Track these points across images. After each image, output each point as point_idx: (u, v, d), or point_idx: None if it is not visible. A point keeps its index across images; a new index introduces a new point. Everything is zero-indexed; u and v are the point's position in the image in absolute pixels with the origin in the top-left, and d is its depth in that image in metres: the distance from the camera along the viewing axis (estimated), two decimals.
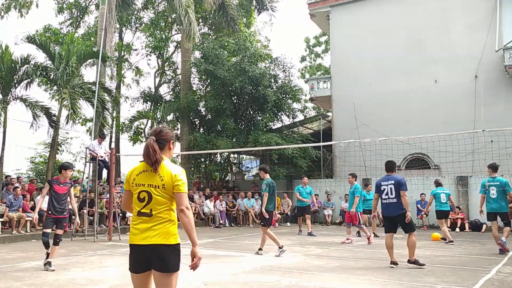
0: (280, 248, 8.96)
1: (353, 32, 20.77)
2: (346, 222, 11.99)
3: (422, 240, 10.10)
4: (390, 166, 7.97)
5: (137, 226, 3.14)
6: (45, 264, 7.33)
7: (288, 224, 18.15)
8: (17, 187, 12.83)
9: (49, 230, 7.58)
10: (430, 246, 10.73)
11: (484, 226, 15.14)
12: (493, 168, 9.75)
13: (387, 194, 7.66)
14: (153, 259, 3.08)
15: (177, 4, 17.94)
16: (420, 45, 19.29)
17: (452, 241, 11.15)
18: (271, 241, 9.11)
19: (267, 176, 9.46)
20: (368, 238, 11.49)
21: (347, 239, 11.47)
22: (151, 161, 3.15)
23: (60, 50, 16.31)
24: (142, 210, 3.14)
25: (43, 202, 8.12)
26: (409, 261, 7.54)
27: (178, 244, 3.17)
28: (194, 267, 3.18)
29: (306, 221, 14.10)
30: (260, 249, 9.30)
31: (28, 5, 8.84)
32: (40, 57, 15.91)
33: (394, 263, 7.60)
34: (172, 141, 3.36)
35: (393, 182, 7.65)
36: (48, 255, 7.42)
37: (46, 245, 7.49)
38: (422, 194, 16.18)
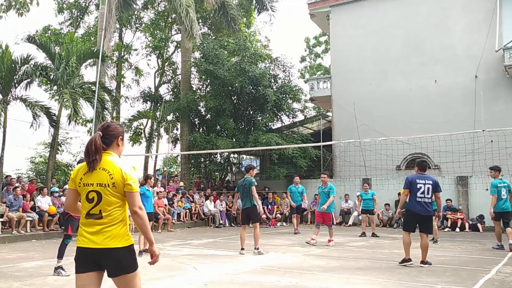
0: (242, 249, 9.17)
1: (353, 32, 20.77)
2: (316, 222, 11.36)
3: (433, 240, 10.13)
4: (424, 166, 7.98)
5: (86, 228, 2.97)
6: (56, 269, 6.92)
7: (285, 224, 18.14)
8: (17, 187, 12.82)
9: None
10: (430, 246, 10.70)
11: (481, 226, 15.15)
12: (499, 170, 10.34)
13: (423, 193, 7.63)
14: (106, 264, 2.94)
15: (177, 3, 17.95)
16: (420, 45, 19.29)
17: (436, 241, 11.22)
18: (273, 241, 9.17)
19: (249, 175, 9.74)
20: (329, 241, 10.96)
21: (312, 239, 10.84)
22: (89, 159, 2.95)
23: (60, 50, 16.32)
24: (91, 212, 2.96)
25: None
26: (423, 262, 7.68)
27: (132, 245, 3.03)
28: (153, 263, 3.10)
29: (295, 220, 14.37)
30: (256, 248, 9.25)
31: (29, 3, 8.81)
32: (40, 57, 15.95)
33: (409, 260, 7.70)
34: (120, 137, 3.14)
35: (431, 182, 7.70)
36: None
37: (64, 252, 7.03)
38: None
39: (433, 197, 7.72)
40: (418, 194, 7.62)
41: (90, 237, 2.93)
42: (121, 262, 2.93)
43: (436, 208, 8.48)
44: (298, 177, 14.72)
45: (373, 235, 13.30)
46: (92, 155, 2.94)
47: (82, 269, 2.96)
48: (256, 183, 9.63)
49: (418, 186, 7.63)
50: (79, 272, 2.98)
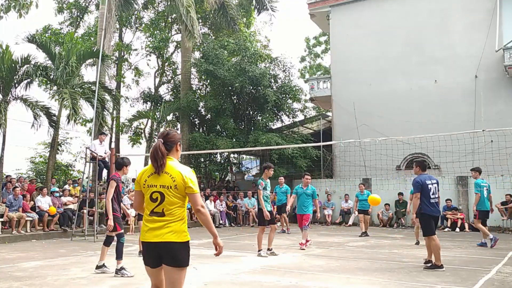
0: (260, 250, 9.01)
1: (353, 32, 20.77)
2: (301, 227, 10.51)
3: (422, 240, 10.12)
4: (425, 166, 7.90)
5: (149, 224, 3.30)
6: (119, 270, 6.83)
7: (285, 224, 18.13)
8: (16, 187, 12.82)
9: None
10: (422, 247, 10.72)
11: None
12: (480, 171, 10.90)
13: (434, 193, 7.52)
14: (165, 255, 3.25)
15: (178, 3, 17.95)
16: (420, 45, 19.30)
17: (417, 243, 11.06)
18: (274, 241, 9.15)
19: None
20: (303, 244, 10.34)
21: (307, 240, 10.40)
22: (157, 164, 3.29)
23: (60, 50, 16.32)
24: (154, 210, 3.29)
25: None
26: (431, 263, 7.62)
27: (188, 241, 3.33)
28: (218, 254, 3.45)
29: (281, 219, 14.49)
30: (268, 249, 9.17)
31: (28, 5, 8.81)
32: (40, 57, 15.95)
33: (441, 266, 7.38)
34: (179, 143, 3.49)
35: (436, 182, 7.65)
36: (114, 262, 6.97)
37: (122, 251, 6.96)
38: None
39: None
40: (431, 195, 7.48)
41: (153, 233, 3.27)
42: (177, 255, 3.25)
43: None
44: (282, 178, 14.71)
45: (365, 234, 13.33)
46: (160, 160, 3.29)
47: (149, 263, 3.35)
48: (262, 185, 9.15)
49: (429, 187, 7.49)
50: (146, 264, 3.38)
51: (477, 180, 10.80)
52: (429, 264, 7.53)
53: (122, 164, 7.13)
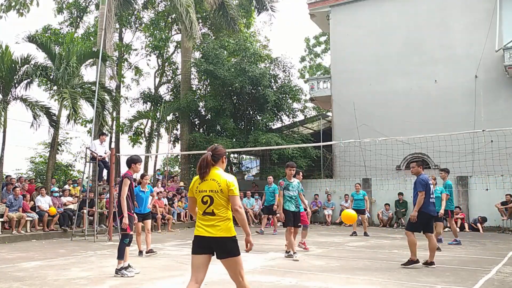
0: (295, 253, 8.76)
1: (353, 32, 20.76)
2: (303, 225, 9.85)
3: (423, 240, 10.11)
4: (423, 165, 8.06)
5: (203, 222, 3.97)
6: (119, 270, 6.74)
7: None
8: (16, 187, 12.82)
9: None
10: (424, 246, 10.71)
11: (481, 227, 15.18)
12: (448, 171, 11.33)
13: (432, 193, 7.76)
14: (218, 250, 3.94)
15: (177, 3, 17.94)
16: (420, 45, 19.29)
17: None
18: (273, 241, 9.12)
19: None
20: (305, 243, 10.03)
21: (303, 243, 9.96)
22: (201, 171, 3.98)
23: (60, 50, 16.32)
24: (206, 211, 3.95)
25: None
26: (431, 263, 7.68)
27: (235, 236, 3.97)
28: (249, 250, 4.10)
29: (270, 219, 14.37)
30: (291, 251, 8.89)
31: (29, 4, 8.82)
32: (40, 57, 15.93)
33: (418, 261, 7.60)
34: (224, 156, 4.16)
35: (431, 182, 7.87)
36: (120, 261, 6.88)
37: (124, 252, 6.85)
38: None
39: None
40: (431, 195, 7.68)
41: (206, 229, 3.93)
42: (229, 248, 3.92)
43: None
44: (271, 177, 14.70)
45: (365, 234, 13.36)
46: (203, 168, 3.98)
47: (198, 251, 4.00)
48: (281, 184, 8.96)
49: (430, 186, 7.70)
50: (195, 253, 4.02)
51: (447, 181, 11.06)
52: (406, 260, 7.67)
53: (131, 161, 7.09)
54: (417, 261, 7.55)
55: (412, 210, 7.82)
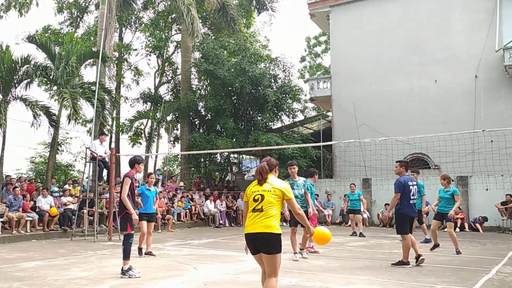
0: (296, 253, 8.67)
1: (353, 32, 20.77)
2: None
3: (417, 240, 10.14)
4: (408, 166, 8.04)
5: (251, 219, 4.32)
6: (126, 271, 6.71)
7: (285, 224, 18.13)
8: (16, 187, 12.81)
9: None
10: (430, 246, 10.72)
11: (480, 227, 15.18)
12: (418, 172, 11.32)
13: (413, 195, 7.75)
14: (260, 245, 4.25)
15: (179, 2, 17.95)
16: (420, 45, 19.29)
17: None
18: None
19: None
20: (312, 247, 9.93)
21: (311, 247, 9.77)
22: (261, 176, 4.38)
23: (60, 50, 16.31)
24: (256, 207, 4.27)
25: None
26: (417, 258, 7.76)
27: (280, 234, 4.25)
28: (310, 235, 4.92)
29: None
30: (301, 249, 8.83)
31: (28, 4, 8.83)
32: (40, 57, 15.93)
33: (408, 263, 7.68)
34: (276, 167, 4.66)
35: (416, 183, 7.88)
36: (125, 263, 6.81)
37: (130, 252, 6.82)
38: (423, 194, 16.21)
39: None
40: (411, 197, 7.72)
41: (252, 225, 4.29)
42: (269, 244, 4.19)
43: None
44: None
45: (361, 235, 13.32)
46: (264, 174, 4.39)
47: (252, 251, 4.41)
48: (310, 190, 9.01)
49: (410, 188, 7.72)
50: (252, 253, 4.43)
51: (419, 182, 10.76)
52: (397, 261, 7.80)
53: (134, 162, 7.14)
54: (408, 263, 7.65)
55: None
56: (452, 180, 10.76)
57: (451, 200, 9.44)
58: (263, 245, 4.21)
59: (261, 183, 4.38)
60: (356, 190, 14.25)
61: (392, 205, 7.77)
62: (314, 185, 9.89)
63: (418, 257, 7.71)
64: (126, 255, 6.78)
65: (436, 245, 9.79)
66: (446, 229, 9.89)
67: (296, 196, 8.62)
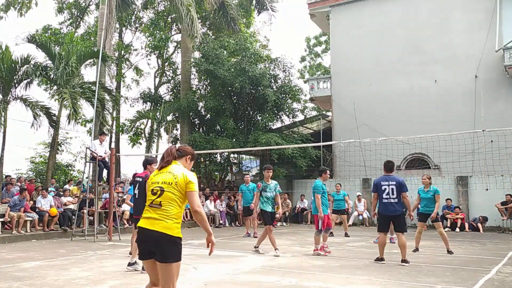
0: (276, 249, 9.10)
1: (353, 32, 20.77)
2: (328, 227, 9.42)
3: (423, 240, 10.11)
4: (390, 167, 8.14)
5: (146, 214, 3.65)
6: (134, 264, 7.15)
7: (285, 224, 18.15)
8: (24, 189, 12.82)
9: None
10: (430, 246, 10.73)
11: (481, 227, 15.19)
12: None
13: (388, 194, 7.86)
14: (155, 249, 3.54)
15: (178, 3, 17.95)
16: (420, 45, 19.29)
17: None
18: (270, 241, 9.19)
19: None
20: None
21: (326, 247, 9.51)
22: (164, 160, 3.73)
23: (60, 50, 16.31)
24: (153, 202, 3.61)
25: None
26: (403, 261, 7.79)
27: (179, 238, 3.61)
28: (211, 251, 3.83)
29: (252, 221, 13.31)
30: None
31: (28, 3, 8.82)
32: (40, 57, 15.93)
33: (382, 259, 8.04)
34: (189, 156, 3.89)
35: (394, 183, 7.86)
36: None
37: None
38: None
39: (401, 197, 7.85)
40: (384, 196, 7.87)
41: (148, 221, 3.61)
42: (165, 249, 3.57)
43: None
44: (248, 175, 14.62)
45: (345, 235, 13.35)
46: (168, 156, 3.78)
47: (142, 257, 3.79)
48: (320, 189, 9.13)
49: (383, 188, 7.88)
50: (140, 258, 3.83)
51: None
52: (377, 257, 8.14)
53: (146, 162, 7.28)
54: (382, 259, 8.09)
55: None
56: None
57: (433, 200, 9.48)
58: (159, 250, 3.49)
59: (161, 171, 3.72)
60: (342, 190, 14.13)
61: (372, 205, 8.21)
62: (310, 184, 10.01)
63: (380, 259, 8.06)
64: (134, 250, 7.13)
65: (416, 249, 9.52)
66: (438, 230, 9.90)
67: (267, 198, 9.19)
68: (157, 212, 3.55)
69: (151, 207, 3.62)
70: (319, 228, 9.08)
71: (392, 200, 7.81)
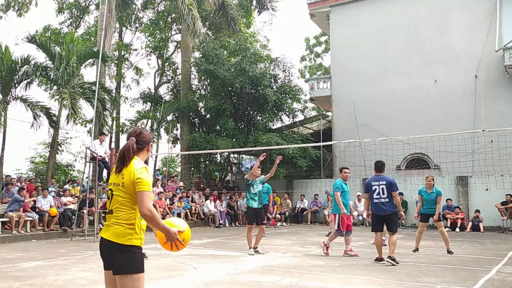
0: (250, 248, 9.16)
1: (353, 32, 20.76)
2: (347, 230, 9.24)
3: (423, 240, 10.12)
4: (380, 167, 8.25)
5: (104, 222, 3.14)
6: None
7: (285, 224, 18.15)
8: (23, 189, 12.82)
9: None
10: (430, 246, 10.73)
11: (481, 226, 15.19)
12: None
13: (378, 194, 7.94)
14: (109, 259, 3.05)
15: (179, 1, 17.95)
16: (420, 45, 19.29)
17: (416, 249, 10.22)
18: (273, 241, 9.17)
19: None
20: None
21: (350, 250, 9.25)
22: (123, 164, 3.04)
23: (60, 50, 16.33)
24: (108, 208, 3.09)
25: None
26: (389, 257, 7.80)
27: (133, 246, 2.98)
28: (175, 250, 3.11)
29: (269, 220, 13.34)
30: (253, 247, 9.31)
31: (28, 3, 8.80)
32: (40, 57, 15.98)
33: (381, 259, 8.02)
34: (150, 143, 3.26)
35: (384, 182, 7.94)
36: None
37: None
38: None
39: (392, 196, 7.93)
40: (374, 196, 7.96)
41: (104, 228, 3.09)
42: (120, 259, 3.02)
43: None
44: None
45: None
46: (128, 160, 3.08)
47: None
48: (339, 187, 8.92)
49: (373, 188, 7.98)
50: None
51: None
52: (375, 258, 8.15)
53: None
54: (382, 259, 8.05)
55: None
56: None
57: (436, 202, 9.46)
58: (110, 260, 2.98)
59: (118, 171, 3.06)
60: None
61: (365, 205, 8.30)
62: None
63: (379, 259, 8.08)
64: None
65: (416, 249, 9.55)
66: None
67: (254, 194, 9.34)
68: (110, 218, 3.02)
69: (105, 213, 3.16)
70: (339, 229, 8.97)
71: (383, 200, 7.89)
